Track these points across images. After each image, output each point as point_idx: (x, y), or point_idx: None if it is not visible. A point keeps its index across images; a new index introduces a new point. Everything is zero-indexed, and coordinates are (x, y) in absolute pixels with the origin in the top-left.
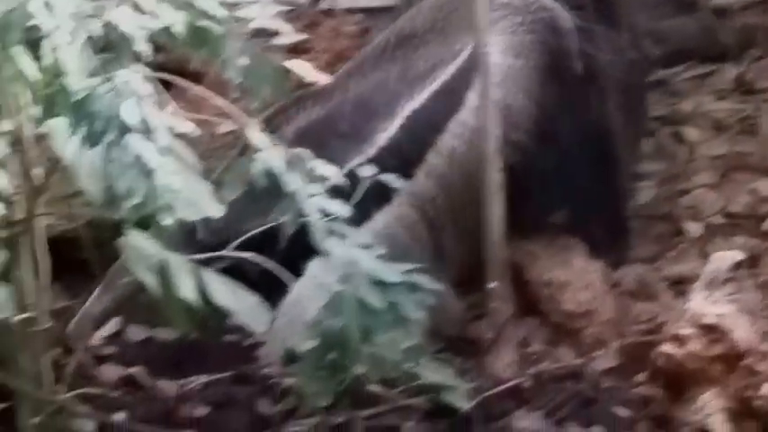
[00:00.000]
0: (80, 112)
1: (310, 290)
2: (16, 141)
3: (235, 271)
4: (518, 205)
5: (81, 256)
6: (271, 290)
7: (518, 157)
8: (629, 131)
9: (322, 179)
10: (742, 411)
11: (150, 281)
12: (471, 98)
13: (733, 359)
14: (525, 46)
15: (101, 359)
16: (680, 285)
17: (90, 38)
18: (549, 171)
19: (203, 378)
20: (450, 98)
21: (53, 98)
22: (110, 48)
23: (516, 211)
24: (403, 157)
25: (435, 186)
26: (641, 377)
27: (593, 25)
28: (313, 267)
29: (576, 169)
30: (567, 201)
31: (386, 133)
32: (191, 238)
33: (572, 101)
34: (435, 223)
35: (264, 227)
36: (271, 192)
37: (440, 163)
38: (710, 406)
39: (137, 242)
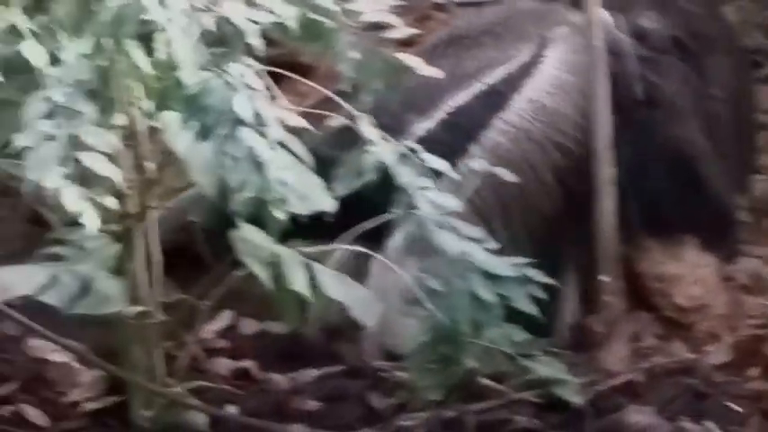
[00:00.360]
0: (193, 105)
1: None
2: (129, 135)
3: None
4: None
5: (193, 249)
6: None
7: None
8: (735, 130)
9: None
10: None
11: (262, 274)
12: (518, 101)
13: None
14: (582, 66)
15: (213, 352)
16: None
17: (203, 32)
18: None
19: (315, 371)
20: (495, 99)
21: (166, 92)
22: (222, 42)
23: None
24: (442, 149)
25: (479, 179)
26: (754, 372)
27: (661, 56)
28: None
29: (655, 182)
30: (657, 205)
31: (424, 125)
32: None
33: (630, 121)
34: (485, 215)
35: (378, 220)
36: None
37: (483, 157)
38: None
39: (249, 235)
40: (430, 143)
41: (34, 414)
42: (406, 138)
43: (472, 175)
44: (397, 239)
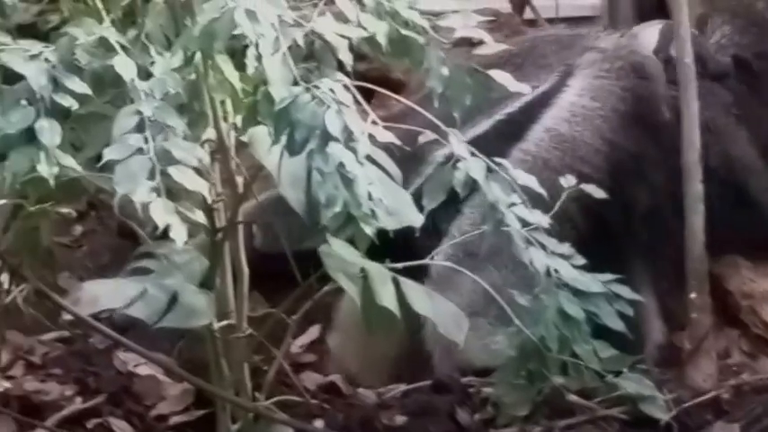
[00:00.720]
0: (282, 120)
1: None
2: (218, 149)
3: None
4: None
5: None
6: None
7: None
8: None
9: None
10: None
11: (351, 289)
12: (536, 131)
13: None
14: (605, 90)
15: (300, 366)
16: None
17: (293, 46)
18: (645, 208)
19: (403, 386)
20: (513, 129)
21: (255, 106)
22: (312, 57)
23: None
24: None
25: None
26: None
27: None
28: None
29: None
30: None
31: (443, 152)
32: None
33: (660, 143)
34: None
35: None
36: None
37: None
38: None
39: (337, 250)
40: None
41: (121, 426)
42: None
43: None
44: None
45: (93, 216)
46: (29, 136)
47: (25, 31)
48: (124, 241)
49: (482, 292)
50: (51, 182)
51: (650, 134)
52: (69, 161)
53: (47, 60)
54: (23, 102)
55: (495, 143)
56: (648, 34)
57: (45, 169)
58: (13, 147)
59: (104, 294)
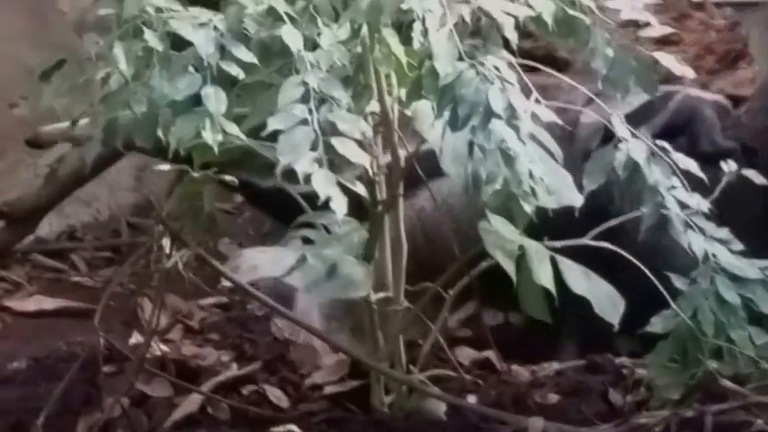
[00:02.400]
0: (446, 95)
1: None
2: (382, 122)
3: None
4: None
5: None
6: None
7: None
8: None
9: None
10: None
11: (508, 266)
12: None
13: None
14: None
15: (455, 341)
16: None
17: (459, 23)
18: None
19: (556, 365)
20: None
21: (420, 81)
22: (478, 33)
23: None
24: None
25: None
26: None
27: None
28: None
29: None
30: None
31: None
32: None
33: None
34: None
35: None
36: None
37: None
38: None
39: (497, 227)
40: None
41: (276, 394)
42: None
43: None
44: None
45: None
46: (195, 102)
47: None
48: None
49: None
50: (215, 149)
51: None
52: (234, 129)
53: (215, 28)
54: (190, 69)
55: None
56: None
57: (210, 136)
58: (179, 113)
59: (264, 262)
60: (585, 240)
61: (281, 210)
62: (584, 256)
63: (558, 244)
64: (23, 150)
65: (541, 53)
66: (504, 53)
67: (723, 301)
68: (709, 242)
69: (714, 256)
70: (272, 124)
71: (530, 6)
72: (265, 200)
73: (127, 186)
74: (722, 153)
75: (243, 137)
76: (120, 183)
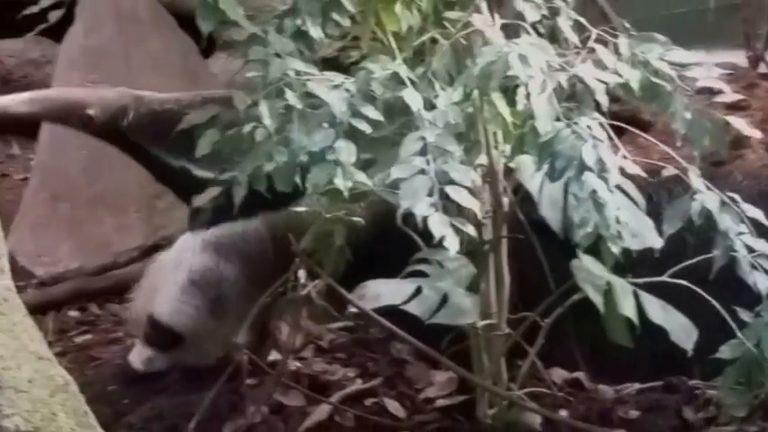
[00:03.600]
0: (545, 151)
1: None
2: (488, 173)
3: None
4: None
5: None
6: None
7: None
8: None
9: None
10: None
11: (597, 299)
12: None
13: None
14: None
15: (549, 362)
16: None
17: (557, 88)
18: None
19: (637, 385)
20: None
21: (523, 138)
22: (573, 97)
23: None
24: None
25: None
26: None
27: None
28: None
29: None
30: None
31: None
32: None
33: None
34: None
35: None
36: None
37: None
38: None
39: (587, 265)
40: None
41: (394, 406)
42: None
43: None
44: None
45: None
46: (327, 154)
47: (329, 63)
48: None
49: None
50: (345, 194)
51: None
52: (361, 177)
53: (347, 90)
54: (325, 124)
55: None
56: None
57: (341, 183)
58: (314, 162)
59: (385, 292)
60: (664, 278)
61: (185, 189)
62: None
63: (641, 281)
64: None
65: (628, 115)
66: (596, 115)
67: None
68: None
69: None
70: (395, 173)
71: (618, 74)
72: (173, 178)
73: None
74: None
75: (369, 183)
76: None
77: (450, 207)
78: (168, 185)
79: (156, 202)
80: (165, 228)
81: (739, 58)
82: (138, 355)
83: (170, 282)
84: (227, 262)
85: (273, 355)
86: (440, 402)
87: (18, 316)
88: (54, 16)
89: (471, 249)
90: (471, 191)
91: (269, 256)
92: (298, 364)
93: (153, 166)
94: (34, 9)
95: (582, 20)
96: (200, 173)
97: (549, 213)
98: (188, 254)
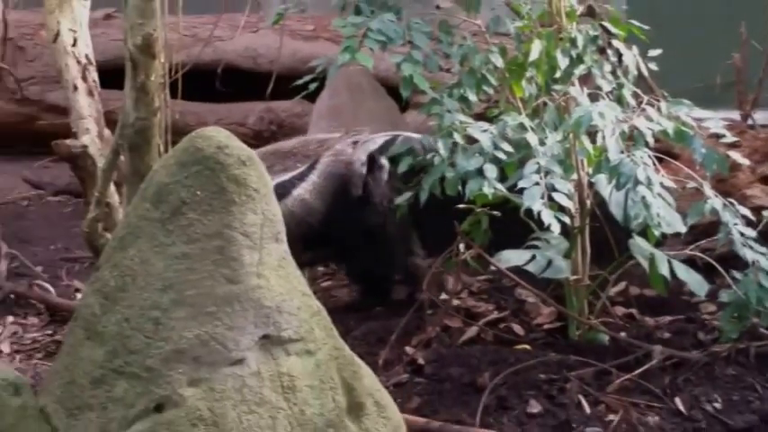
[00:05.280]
0: (614, 171)
1: None
2: (578, 185)
3: None
4: None
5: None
6: None
7: None
8: None
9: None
10: None
11: (644, 263)
12: (294, 193)
13: None
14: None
15: (614, 303)
16: None
17: (622, 132)
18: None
19: (668, 317)
20: (283, 188)
21: (600, 163)
22: (631, 138)
23: None
24: None
25: None
26: None
27: None
28: None
29: None
30: None
31: None
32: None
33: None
34: None
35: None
36: None
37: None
38: None
39: (639, 243)
40: None
41: (517, 329)
42: None
43: None
44: None
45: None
46: (479, 172)
47: (479, 117)
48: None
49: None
50: (489, 197)
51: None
52: (500, 186)
53: (491, 133)
54: (477, 154)
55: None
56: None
57: (487, 190)
58: (471, 177)
59: (513, 257)
60: (687, 252)
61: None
62: None
63: (672, 253)
64: None
65: (664, 149)
66: (645, 149)
67: (762, 286)
68: (756, 254)
69: (757, 261)
70: (521, 184)
71: (660, 124)
72: None
73: None
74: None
75: (504, 191)
76: None
77: (554, 206)
78: None
79: None
80: None
81: (735, 115)
82: None
83: None
84: None
85: (443, 296)
86: (546, 326)
87: (291, 269)
88: (312, 86)
89: (566, 232)
90: (567, 196)
91: None
92: (457, 301)
93: None
94: (299, 82)
95: (637, 90)
96: (397, 184)
97: (616, 210)
98: None
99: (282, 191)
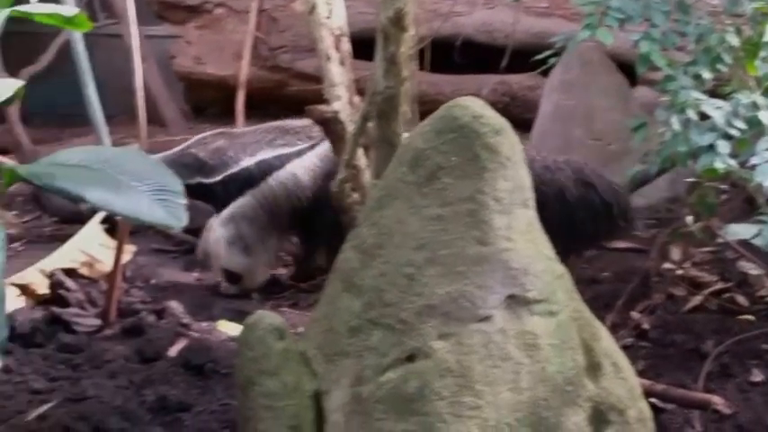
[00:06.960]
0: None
1: None
2: None
3: None
4: None
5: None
6: None
7: None
8: None
9: None
10: None
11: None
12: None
13: None
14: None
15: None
16: None
17: None
18: None
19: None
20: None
21: None
22: None
23: None
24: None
25: None
26: None
27: None
28: None
29: None
30: None
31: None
32: None
33: None
34: None
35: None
36: None
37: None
38: None
39: None
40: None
41: (741, 300)
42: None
43: None
44: None
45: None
46: (711, 148)
47: (711, 93)
48: (749, 207)
49: None
50: (720, 172)
51: None
52: (732, 162)
53: (724, 110)
54: (709, 130)
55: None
56: None
57: (720, 165)
58: (702, 152)
59: (740, 230)
60: None
61: (220, 201)
62: None
63: None
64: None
65: None
66: None
67: None
68: None
69: None
70: (753, 161)
71: None
72: (210, 194)
73: (663, 187)
74: None
75: (736, 166)
76: (659, 185)
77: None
78: None
79: None
80: None
81: None
82: None
83: None
84: None
85: (667, 265)
86: (766, 299)
87: (537, 233)
88: (552, 61)
89: None
90: None
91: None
92: (681, 271)
93: None
94: (539, 56)
95: None
96: None
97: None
98: None
99: (279, 164)
